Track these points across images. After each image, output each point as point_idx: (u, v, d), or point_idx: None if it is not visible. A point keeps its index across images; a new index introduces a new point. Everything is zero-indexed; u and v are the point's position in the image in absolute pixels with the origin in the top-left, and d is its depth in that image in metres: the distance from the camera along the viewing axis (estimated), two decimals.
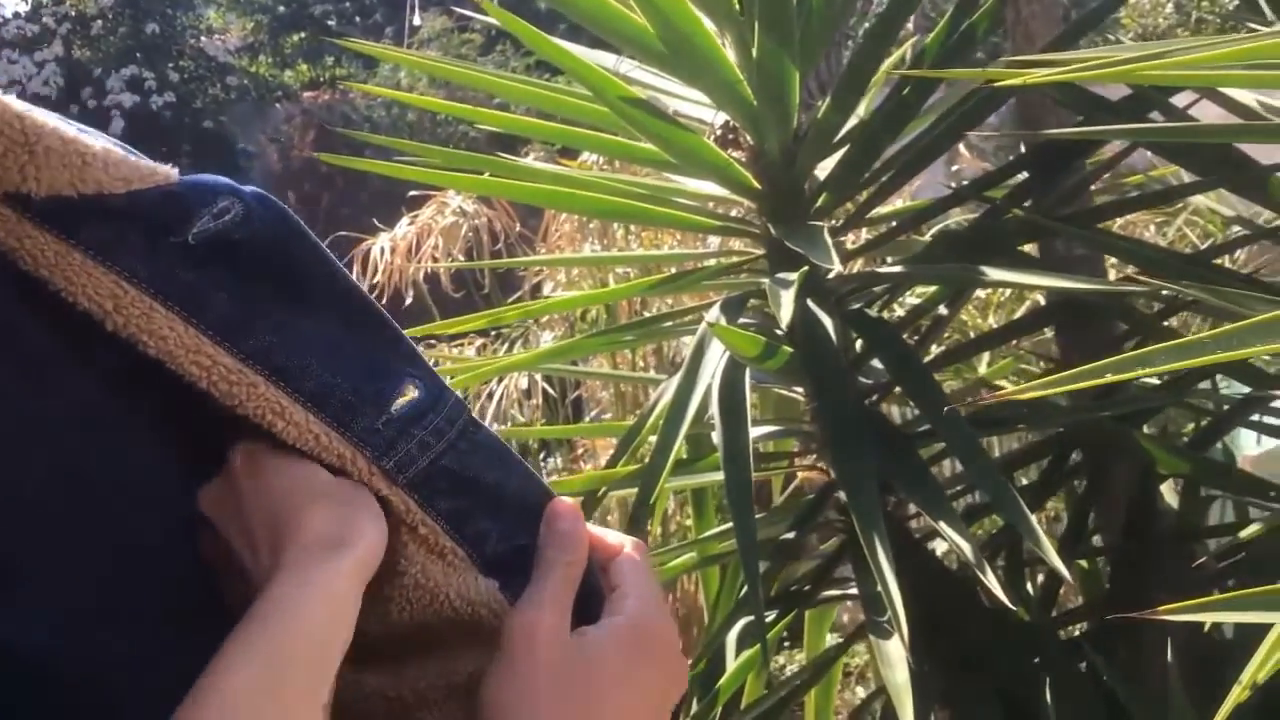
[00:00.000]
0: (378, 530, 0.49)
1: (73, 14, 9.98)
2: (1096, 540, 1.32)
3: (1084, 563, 1.35)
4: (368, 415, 0.50)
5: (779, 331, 1.30)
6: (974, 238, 1.30)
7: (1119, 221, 1.93)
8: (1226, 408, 1.28)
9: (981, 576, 0.96)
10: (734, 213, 1.52)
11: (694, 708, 1.24)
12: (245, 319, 0.49)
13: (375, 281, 2.59)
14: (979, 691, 1.19)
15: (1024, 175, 1.29)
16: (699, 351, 1.23)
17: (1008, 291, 2.29)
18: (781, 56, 1.22)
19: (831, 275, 1.36)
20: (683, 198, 1.43)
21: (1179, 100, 1.16)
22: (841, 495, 1.29)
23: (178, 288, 0.48)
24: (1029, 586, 1.36)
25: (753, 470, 1.15)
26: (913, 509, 1.37)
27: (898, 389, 1.29)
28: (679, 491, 1.55)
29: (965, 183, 1.45)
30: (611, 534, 0.56)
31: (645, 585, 0.54)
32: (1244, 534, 1.14)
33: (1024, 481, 1.62)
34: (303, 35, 11.72)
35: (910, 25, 1.98)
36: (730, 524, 1.31)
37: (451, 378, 1.52)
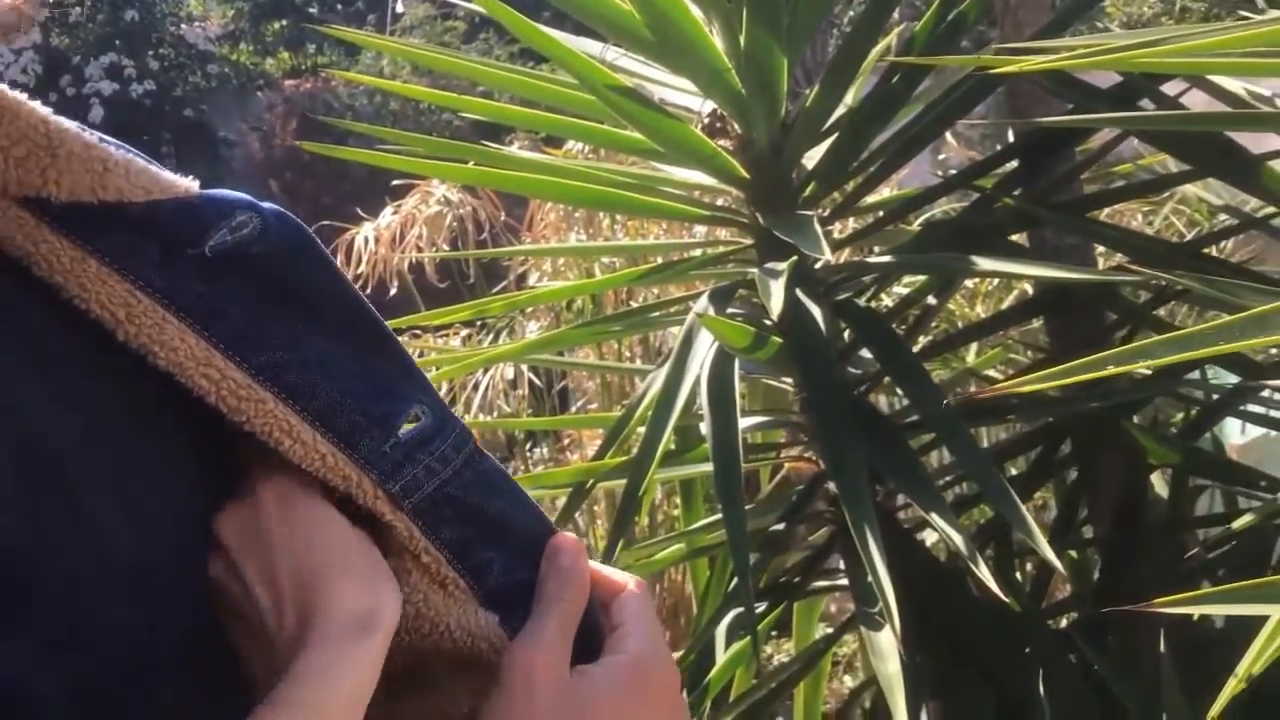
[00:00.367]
0: (399, 603, 0.49)
1: (51, 0, 9.89)
2: (1086, 531, 1.32)
3: (1074, 553, 1.35)
4: (375, 437, 0.49)
5: (768, 322, 1.30)
6: (963, 227, 1.29)
7: (1106, 210, 1.93)
8: (1216, 398, 1.28)
9: (973, 567, 0.96)
10: (721, 202, 1.51)
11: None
12: (257, 334, 0.48)
13: (359, 272, 2.57)
14: (970, 682, 1.19)
15: (1013, 164, 1.29)
16: (687, 342, 1.22)
17: (995, 281, 2.29)
18: (770, 44, 1.21)
19: (820, 265, 1.35)
20: (669, 187, 1.42)
21: (1168, 89, 1.15)
22: (831, 486, 1.29)
23: (191, 299, 0.47)
24: (1019, 577, 1.35)
25: (742, 462, 1.15)
26: (901, 499, 1.37)
27: (887, 379, 1.28)
28: (666, 483, 1.54)
29: (953, 172, 1.44)
30: (613, 572, 0.56)
31: (647, 625, 0.53)
32: (1235, 525, 1.14)
33: (1013, 472, 1.62)
34: (284, 23, 11.65)
35: (896, 14, 1.98)
36: (719, 515, 1.30)
37: (436, 368, 1.51)
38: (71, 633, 0.42)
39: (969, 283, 2.19)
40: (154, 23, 10.33)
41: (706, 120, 1.37)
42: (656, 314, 1.39)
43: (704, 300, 1.25)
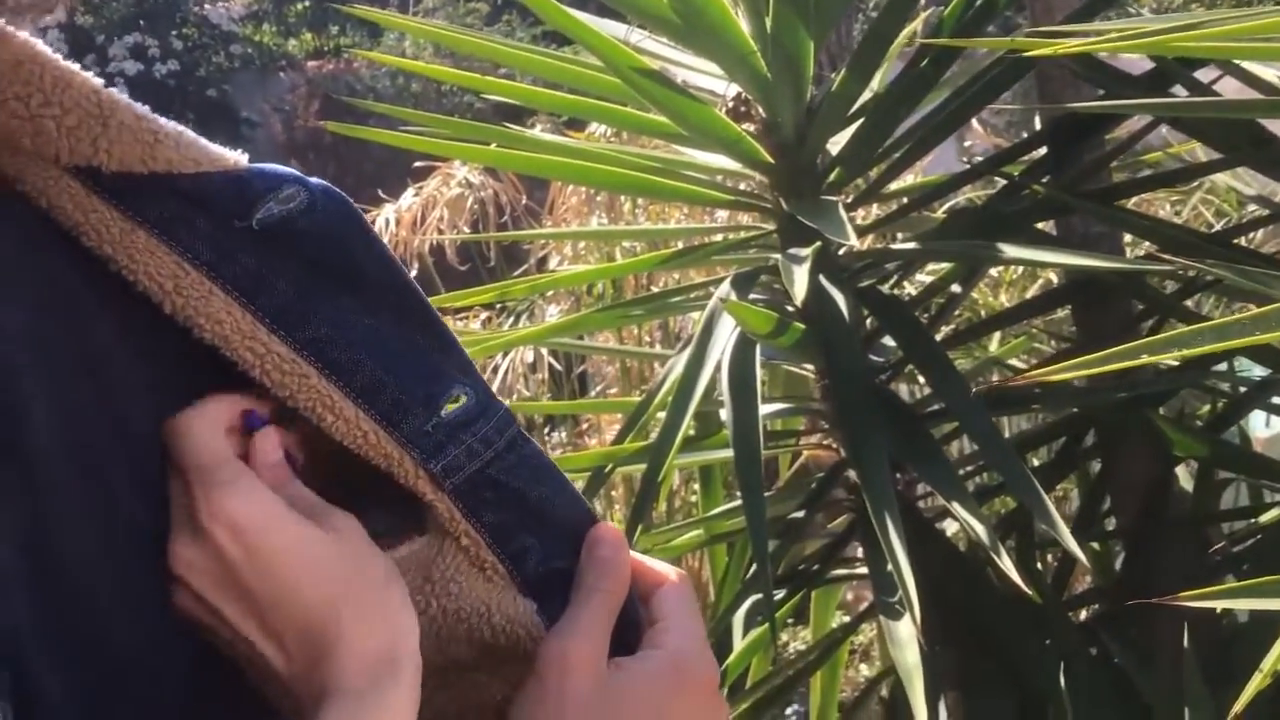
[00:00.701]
0: (414, 619, 0.47)
1: None
2: (1110, 523, 1.31)
3: (1096, 545, 1.34)
4: (417, 416, 0.49)
5: (790, 308, 1.29)
6: (989, 214, 1.28)
7: (1134, 199, 1.91)
8: (1243, 390, 1.27)
9: (995, 557, 0.95)
10: (744, 186, 1.50)
11: None
12: (302, 309, 0.48)
13: None
14: (989, 673, 1.18)
15: (1041, 151, 1.27)
16: (708, 327, 1.22)
17: (1020, 269, 2.27)
18: (796, 27, 1.19)
19: (844, 251, 1.34)
20: (692, 171, 1.41)
21: (1200, 76, 1.13)
22: (851, 474, 1.28)
23: (238, 272, 0.47)
24: (1040, 569, 1.34)
25: (762, 448, 1.14)
26: (922, 489, 1.36)
27: (910, 367, 1.27)
28: (685, 469, 1.54)
29: (979, 158, 1.42)
30: (655, 563, 0.54)
31: (687, 619, 0.52)
32: (1260, 519, 1.13)
33: (1036, 463, 1.61)
34: (307, 4, 11.65)
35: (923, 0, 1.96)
36: (737, 502, 1.30)
37: None
38: (90, 643, 0.42)
39: (993, 271, 2.17)
40: (178, 3, 10.35)
41: (731, 104, 1.35)
42: (677, 299, 1.39)
43: (726, 285, 1.24)
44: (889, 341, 1.33)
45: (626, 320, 1.64)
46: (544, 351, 2.39)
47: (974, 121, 2.59)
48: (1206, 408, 1.40)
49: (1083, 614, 1.32)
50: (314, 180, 0.50)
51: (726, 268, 1.48)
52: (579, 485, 1.22)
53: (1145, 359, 0.69)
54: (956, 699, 1.19)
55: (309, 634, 0.45)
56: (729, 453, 1.15)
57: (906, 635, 1.06)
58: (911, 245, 1.30)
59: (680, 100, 1.25)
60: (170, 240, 0.46)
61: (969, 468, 1.41)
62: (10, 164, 0.45)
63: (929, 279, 1.57)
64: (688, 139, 1.36)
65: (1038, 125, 1.35)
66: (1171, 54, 1.00)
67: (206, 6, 10.61)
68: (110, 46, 9.76)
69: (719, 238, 1.45)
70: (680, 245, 1.44)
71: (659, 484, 1.19)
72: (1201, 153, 1.36)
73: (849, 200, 1.38)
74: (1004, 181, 1.28)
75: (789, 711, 2.34)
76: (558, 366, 2.47)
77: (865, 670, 2.53)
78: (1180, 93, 1.12)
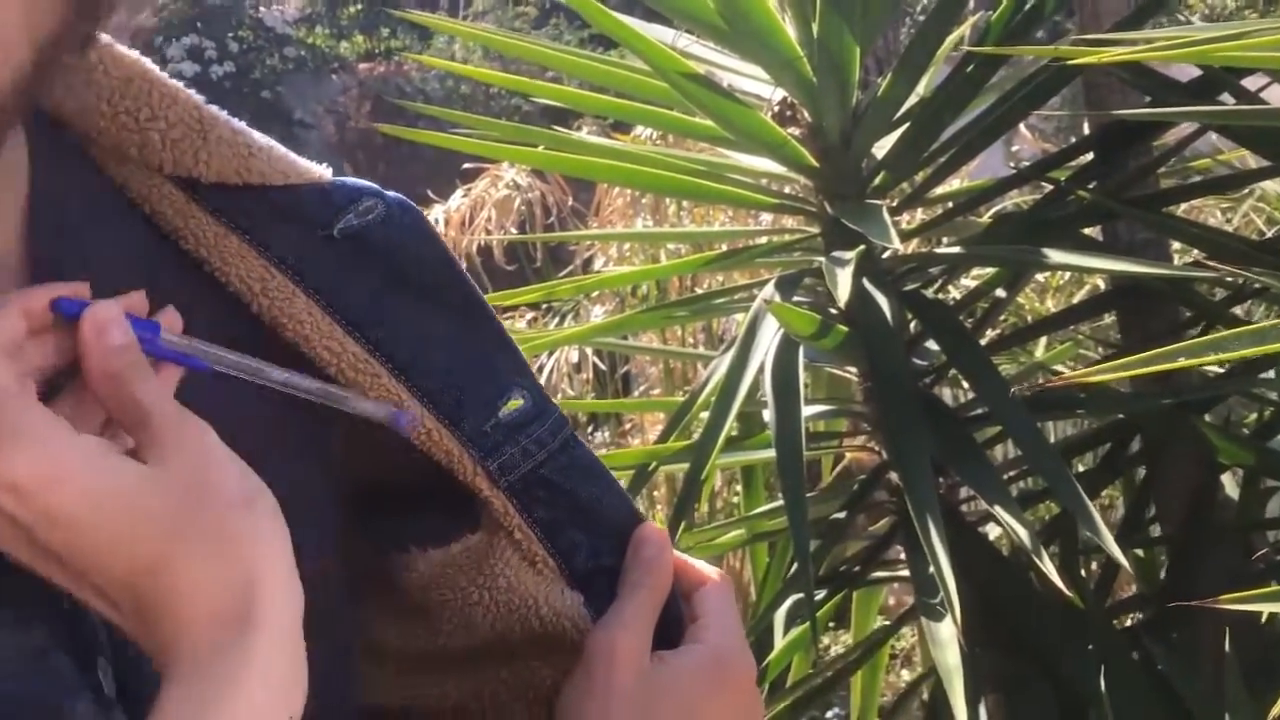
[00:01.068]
0: (284, 548, 0.40)
1: None
2: (1155, 529, 1.30)
3: (1141, 552, 1.33)
4: (477, 417, 0.51)
5: (833, 311, 1.29)
6: (1035, 220, 1.28)
7: (1183, 206, 1.89)
8: None
9: (1037, 561, 0.95)
10: (789, 190, 1.51)
11: None
12: (375, 312, 0.51)
13: None
14: (1031, 676, 1.18)
15: (1088, 157, 1.27)
16: (752, 329, 1.23)
17: (1066, 275, 2.26)
18: (843, 32, 1.20)
19: (888, 255, 1.34)
20: (738, 174, 1.42)
21: (1248, 84, 1.13)
22: (893, 476, 1.28)
23: (319, 277, 0.50)
24: (1084, 574, 1.34)
25: (805, 450, 1.15)
26: (965, 493, 1.36)
27: (953, 371, 1.27)
28: (727, 468, 1.55)
29: (1026, 164, 1.42)
30: (697, 563, 0.57)
31: (727, 616, 0.55)
32: None
33: (1081, 468, 1.60)
34: (359, 7, 11.78)
35: (972, 3, 1.95)
36: (779, 502, 1.31)
37: None
38: None
39: (1039, 276, 2.16)
40: (234, 5, 10.51)
41: (777, 108, 1.36)
42: (721, 300, 1.40)
43: (770, 287, 1.25)
44: (933, 345, 1.33)
45: (670, 321, 1.66)
46: (588, 351, 2.41)
47: (1022, 127, 2.58)
48: (1253, 416, 1.39)
49: (1127, 620, 1.32)
50: (390, 194, 0.54)
51: (770, 270, 1.49)
52: (622, 483, 1.24)
53: (1182, 362, 0.69)
54: (997, 702, 1.19)
55: (136, 595, 0.39)
56: (771, 453, 1.17)
57: (947, 636, 1.06)
58: (956, 249, 1.30)
59: (725, 104, 1.26)
60: (260, 246, 0.49)
61: (1013, 472, 1.41)
62: (118, 172, 0.49)
63: (974, 283, 1.57)
64: (733, 143, 1.38)
65: (1086, 131, 1.35)
66: (1217, 63, 1.00)
67: (262, 9, 10.77)
68: (168, 48, 9.93)
69: (763, 240, 1.46)
70: (724, 248, 1.45)
71: (701, 483, 1.20)
72: (1252, 160, 1.36)
73: (894, 204, 1.39)
74: (1050, 187, 1.28)
75: (829, 715, 2.34)
76: (602, 366, 2.49)
77: (907, 675, 2.53)
78: (1228, 100, 1.11)
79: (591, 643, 0.51)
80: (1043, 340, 1.79)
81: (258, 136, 0.50)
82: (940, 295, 1.41)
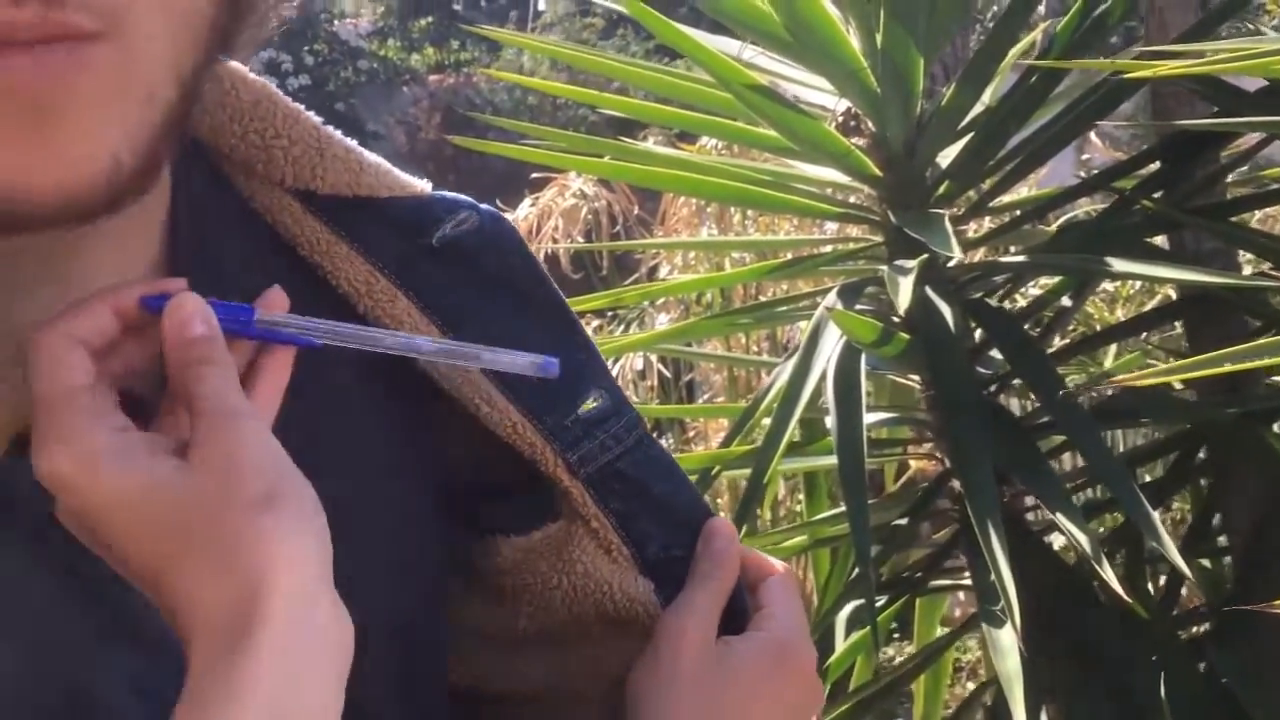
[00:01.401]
0: (305, 547, 0.38)
1: None
2: (1222, 540, 1.29)
3: (1207, 562, 1.32)
4: (559, 413, 0.55)
5: (895, 319, 1.30)
6: (1100, 229, 1.27)
7: (1257, 215, 1.87)
8: None
9: (1098, 569, 0.96)
10: (854, 199, 1.52)
11: None
12: (469, 314, 0.55)
13: None
14: (1093, 686, 1.18)
15: (1155, 166, 1.26)
16: (814, 336, 1.24)
17: (1137, 285, 2.23)
18: (906, 43, 1.21)
19: (952, 264, 1.35)
20: (802, 184, 1.44)
21: None
22: (956, 484, 1.29)
23: (418, 281, 0.54)
24: (1150, 585, 1.33)
25: (866, 456, 1.16)
26: (1030, 502, 1.36)
27: (1017, 380, 1.27)
28: (790, 475, 1.56)
29: (1094, 172, 1.42)
30: (763, 556, 0.60)
31: (791, 607, 0.58)
32: None
33: (1149, 479, 1.59)
34: (430, 20, 11.96)
35: (1042, 9, 1.94)
36: (841, 508, 1.32)
37: None
38: None
39: (1110, 286, 2.15)
40: (310, 20, 10.74)
41: (841, 118, 1.38)
42: (784, 308, 1.41)
43: (833, 295, 1.27)
44: (997, 354, 1.34)
45: (733, 328, 1.67)
46: (653, 359, 2.44)
47: (1093, 135, 2.56)
48: None
49: (1192, 631, 1.31)
50: (484, 206, 0.58)
51: (834, 279, 1.50)
52: None
53: (1244, 365, 0.69)
54: (1058, 711, 1.19)
55: (157, 595, 0.39)
56: (834, 460, 1.18)
57: (1008, 644, 1.07)
58: (1019, 258, 1.31)
59: (790, 114, 1.28)
60: (366, 252, 0.54)
61: (1079, 482, 1.41)
62: (245, 186, 0.54)
63: (1041, 292, 1.56)
64: (797, 152, 1.39)
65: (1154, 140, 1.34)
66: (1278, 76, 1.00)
67: (336, 23, 10.99)
68: (247, 61, 10.16)
69: (828, 249, 1.47)
70: (789, 256, 1.47)
71: (764, 488, 1.22)
72: None
73: (958, 214, 1.39)
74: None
75: None
76: (666, 374, 2.51)
77: (972, 687, 2.51)
78: None
79: (661, 626, 0.55)
80: (1112, 350, 1.78)
81: (367, 154, 0.55)
82: (1005, 304, 1.41)
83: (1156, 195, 1.23)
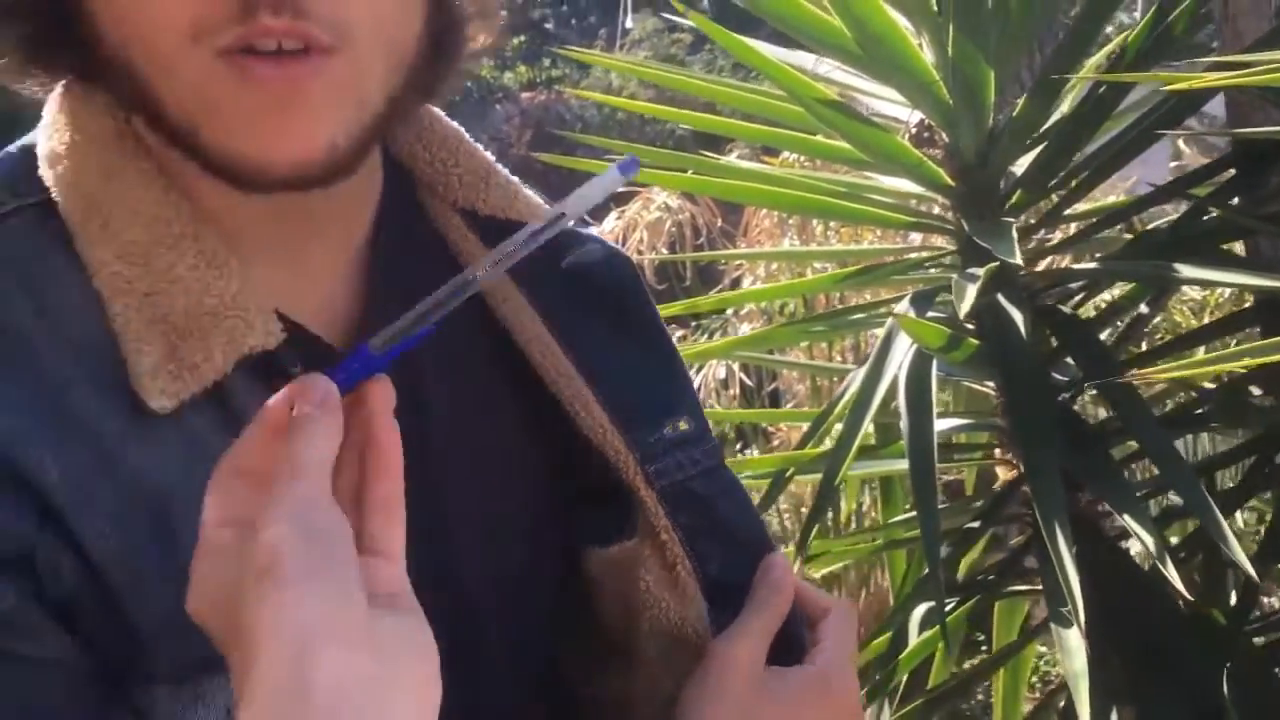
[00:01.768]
0: (335, 637, 0.38)
1: None
2: None
3: None
4: (646, 429, 0.62)
5: (970, 325, 1.33)
6: (1175, 235, 1.28)
7: None
8: None
9: (1162, 568, 0.97)
10: (929, 209, 1.54)
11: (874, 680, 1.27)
12: (581, 330, 0.63)
13: None
14: (1166, 690, 1.18)
15: (1231, 173, 1.27)
16: (887, 343, 1.27)
17: (1226, 292, 2.20)
18: (976, 56, 1.24)
19: (1026, 271, 1.37)
20: (878, 195, 1.47)
21: None
22: (1029, 489, 1.30)
23: (546, 297, 0.63)
24: (1232, 592, 1.33)
25: (937, 460, 1.19)
26: (1106, 508, 1.37)
27: (1089, 386, 1.29)
28: (868, 479, 1.59)
29: (1169, 180, 1.43)
30: (822, 594, 0.66)
31: (843, 642, 0.63)
32: None
33: (1231, 485, 1.58)
34: (522, 39, 12.16)
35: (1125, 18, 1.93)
36: (915, 512, 1.34)
37: None
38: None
39: (1196, 295, 2.12)
40: None
41: (914, 130, 1.41)
42: (861, 315, 1.45)
43: (905, 302, 1.30)
44: (1072, 361, 1.35)
45: (809, 336, 1.71)
46: (736, 368, 2.48)
47: (1181, 141, 2.52)
48: None
49: (1270, 637, 1.30)
50: (609, 242, 0.69)
51: (914, 287, 1.53)
52: (762, 488, 1.30)
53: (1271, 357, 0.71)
54: (1130, 714, 1.20)
55: (221, 646, 0.43)
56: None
57: (1075, 645, 1.08)
58: (1091, 265, 1.32)
59: (863, 128, 1.31)
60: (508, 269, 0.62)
61: (1155, 488, 1.41)
62: (429, 203, 0.65)
63: (1117, 299, 1.57)
64: (871, 164, 1.42)
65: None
66: None
67: None
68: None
69: (906, 258, 1.50)
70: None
71: (836, 489, 1.25)
72: None
73: (1032, 222, 1.41)
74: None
75: None
76: (749, 383, 2.55)
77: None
78: None
79: (713, 648, 0.60)
80: (1200, 356, 1.76)
81: (524, 188, 0.66)
82: (1080, 311, 1.42)
83: (1232, 202, 1.23)
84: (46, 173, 0.53)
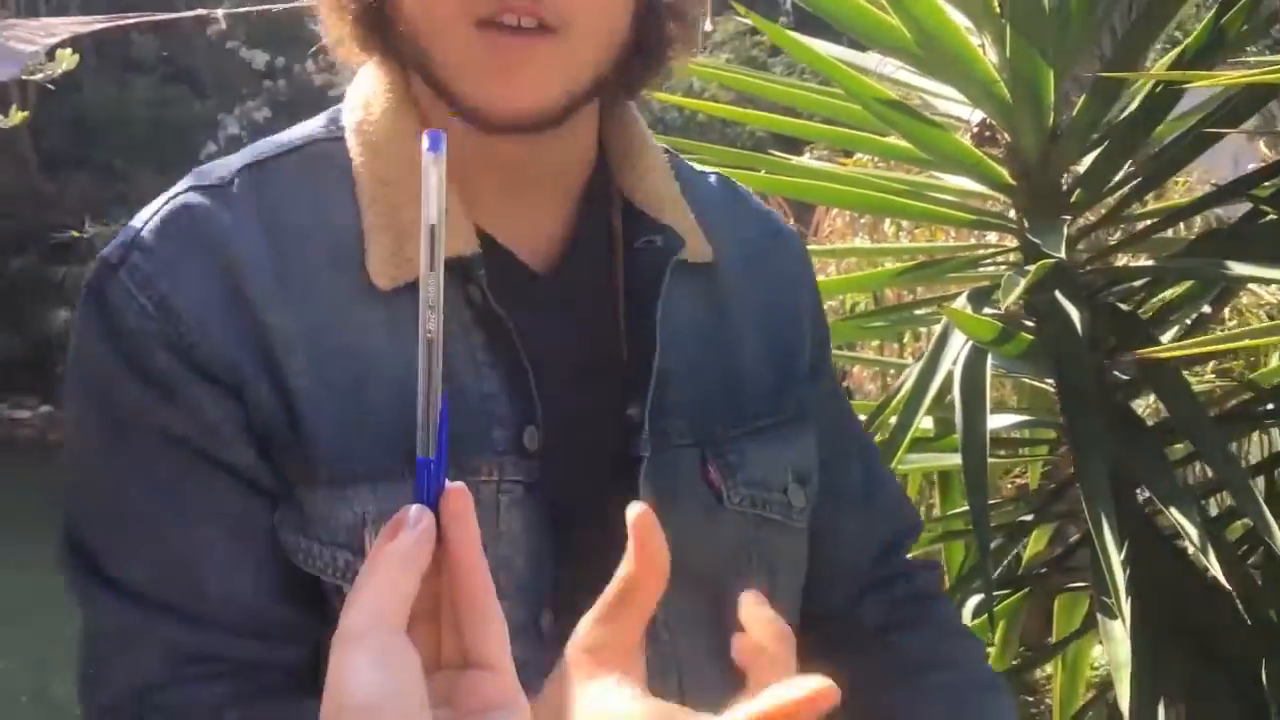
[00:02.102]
0: None
1: None
2: None
3: None
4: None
5: (1029, 322, 1.35)
6: (1235, 234, 1.29)
7: None
8: None
9: (1203, 558, 0.99)
10: (995, 207, 1.56)
11: None
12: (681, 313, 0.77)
13: None
14: (1216, 686, 1.19)
15: None
16: (943, 338, 1.30)
17: None
18: (1033, 55, 1.26)
19: (1086, 269, 1.38)
20: (942, 193, 1.49)
21: None
22: None
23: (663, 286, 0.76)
24: None
25: (994, 454, 1.21)
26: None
27: (1142, 379, 1.30)
28: (928, 473, 1.61)
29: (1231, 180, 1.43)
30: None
31: None
32: None
33: None
34: None
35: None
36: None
37: None
38: None
39: (1272, 297, 2.10)
40: None
41: (976, 129, 1.43)
42: (920, 311, 1.47)
43: (962, 299, 1.32)
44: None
45: (869, 332, 1.73)
46: None
47: (1262, 142, 2.49)
48: None
49: None
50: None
51: (977, 283, 1.54)
52: None
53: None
54: (1182, 711, 1.21)
55: None
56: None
57: (1120, 635, 1.10)
58: (1149, 263, 1.33)
59: (923, 128, 1.34)
60: (636, 252, 0.75)
61: (1214, 486, 1.41)
62: (614, 178, 0.77)
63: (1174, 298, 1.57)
64: (933, 163, 1.45)
65: None
66: None
67: None
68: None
69: (967, 255, 1.52)
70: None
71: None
72: None
73: (1093, 220, 1.42)
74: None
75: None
76: None
77: None
78: None
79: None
80: (1275, 358, 1.75)
81: (673, 192, 0.76)
82: (1140, 310, 1.43)
83: None
84: (348, 118, 0.72)
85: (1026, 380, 1.55)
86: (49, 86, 4.54)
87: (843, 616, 0.81)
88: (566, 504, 0.68)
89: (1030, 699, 1.86)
